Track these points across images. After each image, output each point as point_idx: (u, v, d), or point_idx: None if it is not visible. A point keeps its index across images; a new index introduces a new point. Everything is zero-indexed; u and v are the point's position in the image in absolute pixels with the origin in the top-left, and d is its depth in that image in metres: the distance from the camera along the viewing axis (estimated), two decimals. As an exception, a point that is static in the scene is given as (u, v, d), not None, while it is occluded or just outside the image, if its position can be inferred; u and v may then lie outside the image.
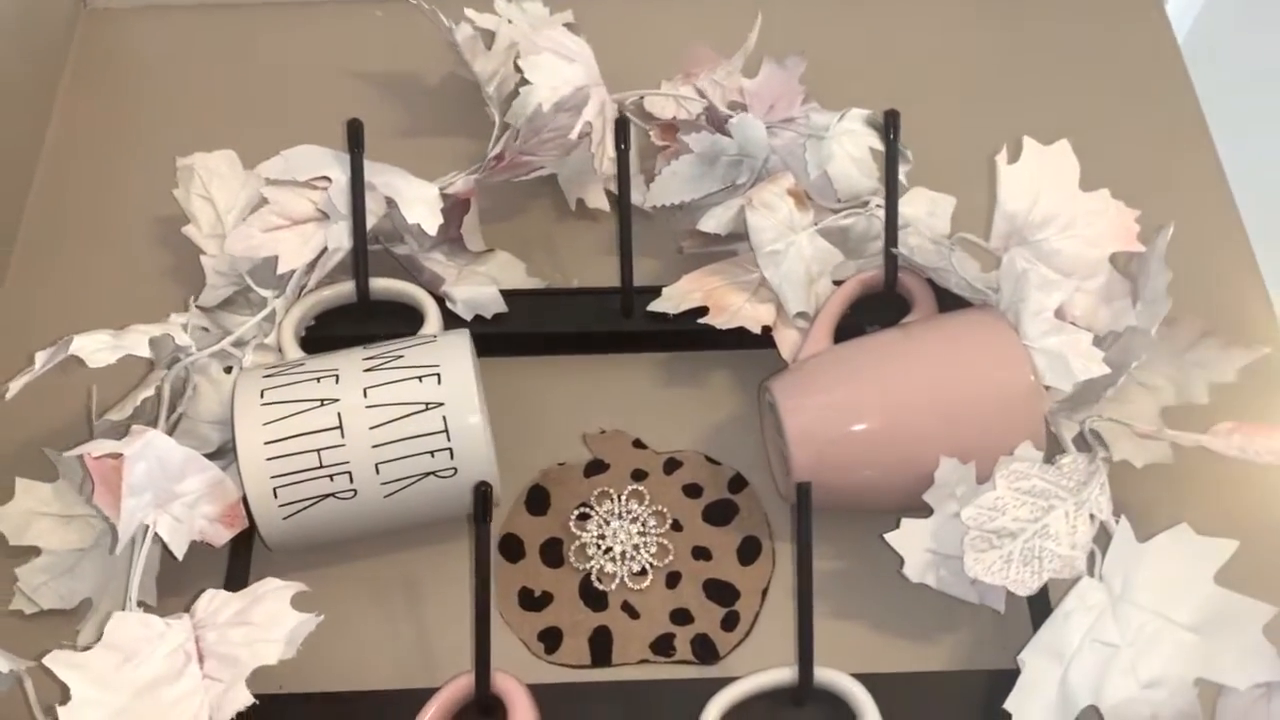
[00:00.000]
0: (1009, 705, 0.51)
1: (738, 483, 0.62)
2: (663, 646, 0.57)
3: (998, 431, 0.54)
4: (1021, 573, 0.52)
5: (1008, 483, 0.53)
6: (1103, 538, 0.53)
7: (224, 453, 0.57)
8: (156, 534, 0.51)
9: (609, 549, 0.59)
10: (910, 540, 0.54)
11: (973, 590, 0.55)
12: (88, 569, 0.56)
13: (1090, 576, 0.52)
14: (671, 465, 0.62)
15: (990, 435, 0.54)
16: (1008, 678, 0.51)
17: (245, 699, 0.44)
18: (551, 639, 0.57)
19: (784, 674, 0.52)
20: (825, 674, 0.52)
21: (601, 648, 0.57)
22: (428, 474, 0.54)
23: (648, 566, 0.59)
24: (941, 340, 0.58)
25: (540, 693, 0.52)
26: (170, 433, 0.56)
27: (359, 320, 0.62)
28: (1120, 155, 0.70)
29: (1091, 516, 0.53)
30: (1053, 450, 0.55)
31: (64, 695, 0.44)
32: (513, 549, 0.60)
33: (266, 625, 0.46)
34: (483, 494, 0.50)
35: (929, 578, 0.54)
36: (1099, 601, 0.51)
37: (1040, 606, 0.55)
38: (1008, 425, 0.54)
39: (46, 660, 0.45)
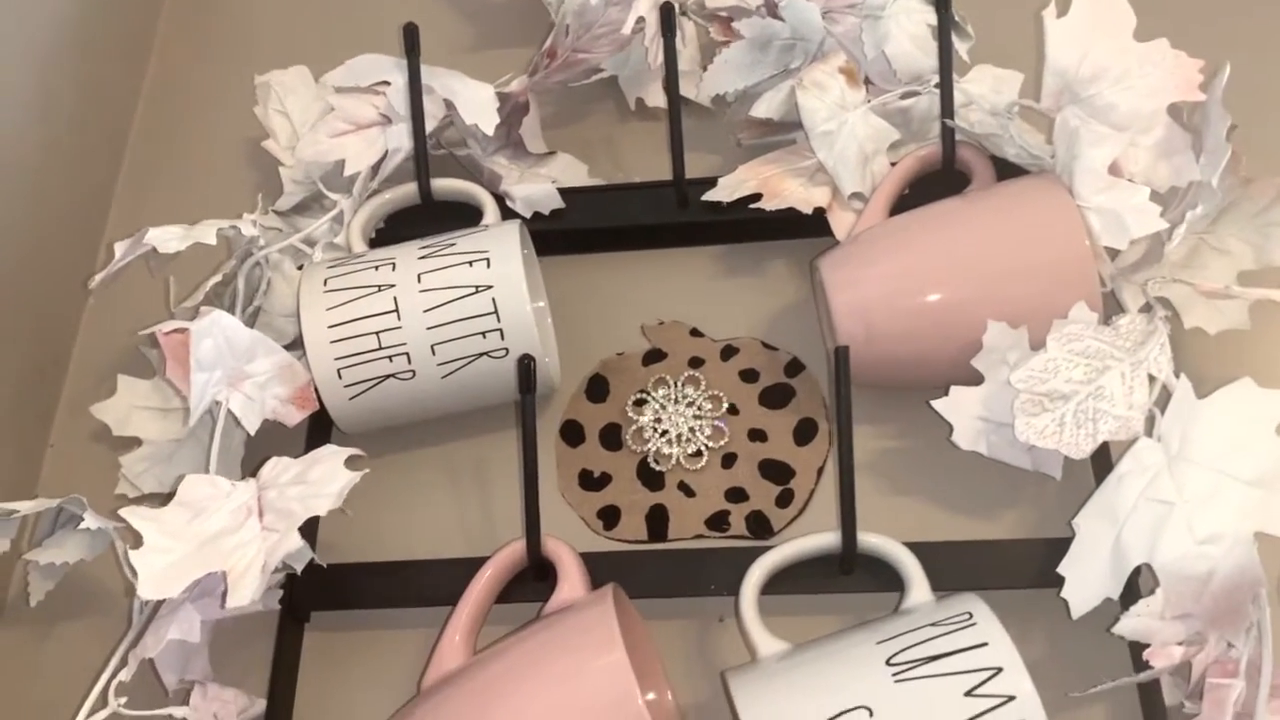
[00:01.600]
0: (1061, 569, 0.50)
1: (794, 367, 0.62)
2: (718, 522, 0.58)
3: (1052, 296, 0.53)
4: (1075, 435, 0.50)
5: (1060, 344, 0.51)
6: (1165, 400, 0.51)
7: (299, 344, 0.60)
8: (230, 411, 0.54)
9: (665, 432, 0.60)
10: (959, 407, 0.53)
11: (1026, 456, 0.53)
12: (184, 457, 0.60)
13: (1148, 438, 0.50)
14: (728, 352, 0.63)
15: (1044, 300, 0.53)
16: (1066, 546, 0.50)
17: (296, 544, 0.47)
18: (610, 516, 0.59)
19: (828, 539, 0.52)
20: (870, 539, 0.51)
21: (658, 524, 0.58)
22: (481, 354, 0.56)
23: (703, 448, 0.60)
24: (992, 206, 0.56)
25: (595, 561, 0.54)
26: (250, 324, 0.60)
27: (425, 221, 0.64)
28: (1206, 10, 0.67)
29: (1151, 378, 0.51)
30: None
31: (136, 543, 0.47)
32: (573, 434, 0.61)
33: (321, 483, 0.49)
34: (526, 366, 0.52)
35: (980, 445, 0.53)
36: (1156, 461, 0.49)
37: (1107, 475, 0.53)
38: (1062, 289, 0.53)
39: (122, 512, 0.49)
